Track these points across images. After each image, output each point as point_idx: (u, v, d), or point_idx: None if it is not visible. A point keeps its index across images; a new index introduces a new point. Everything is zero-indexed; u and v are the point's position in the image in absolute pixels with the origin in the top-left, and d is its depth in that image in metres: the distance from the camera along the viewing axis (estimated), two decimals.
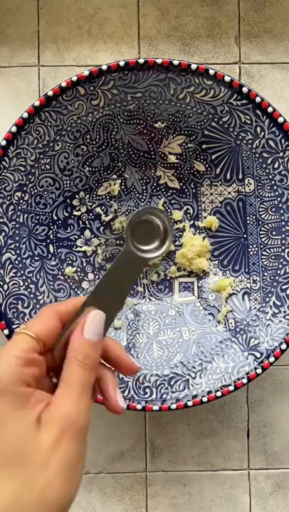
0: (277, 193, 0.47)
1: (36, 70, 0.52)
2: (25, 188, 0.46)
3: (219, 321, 0.48)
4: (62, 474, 0.28)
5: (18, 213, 0.46)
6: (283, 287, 0.47)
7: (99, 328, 0.32)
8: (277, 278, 0.47)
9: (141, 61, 0.44)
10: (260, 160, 0.47)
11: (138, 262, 0.36)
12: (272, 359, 0.45)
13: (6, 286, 0.46)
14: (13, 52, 0.52)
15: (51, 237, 0.48)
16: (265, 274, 0.47)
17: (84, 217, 0.49)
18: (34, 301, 0.47)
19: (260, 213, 0.48)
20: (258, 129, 0.46)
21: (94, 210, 0.49)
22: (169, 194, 0.50)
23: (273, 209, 0.47)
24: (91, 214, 0.49)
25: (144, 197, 0.50)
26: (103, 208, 0.50)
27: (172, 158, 0.49)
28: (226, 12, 0.52)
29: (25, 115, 0.44)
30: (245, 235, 0.49)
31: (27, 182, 0.46)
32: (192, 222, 0.50)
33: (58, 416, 0.29)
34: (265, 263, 0.48)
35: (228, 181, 0.49)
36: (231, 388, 0.45)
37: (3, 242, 0.46)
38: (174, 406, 0.45)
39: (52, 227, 0.48)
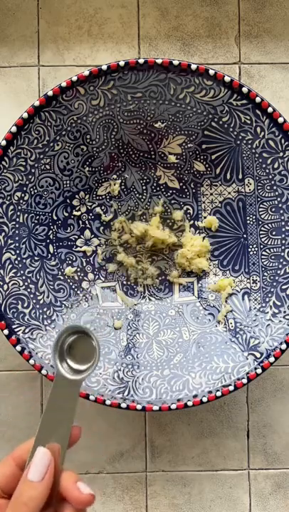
0: (277, 193, 0.47)
1: (36, 70, 0.52)
2: (25, 188, 0.46)
3: (219, 321, 0.48)
4: None
5: (18, 213, 0.46)
6: (283, 287, 0.47)
7: (43, 467, 0.32)
8: (277, 278, 0.47)
9: (141, 61, 0.44)
10: (260, 160, 0.47)
11: (72, 385, 0.35)
12: (272, 359, 0.45)
13: (5, 286, 0.46)
14: (13, 52, 0.52)
15: (51, 237, 0.48)
16: (265, 274, 0.47)
17: (84, 217, 0.49)
18: (34, 301, 0.47)
19: (260, 213, 0.48)
20: (258, 129, 0.46)
21: (94, 210, 0.50)
22: (169, 194, 0.50)
23: (273, 209, 0.47)
24: (91, 214, 0.50)
25: (144, 197, 0.50)
26: (103, 207, 0.50)
27: (172, 158, 0.49)
28: (226, 12, 0.52)
29: (25, 115, 0.44)
30: (245, 235, 0.49)
31: (27, 182, 0.46)
32: (192, 222, 0.50)
33: None
34: (265, 263, 0.48)
35: (228, 181, 0.49)
36: (231, 388, 0.45)
37: (3, 242, 0.46)
38: (174, 406, 0.45)
39: (52, 227, 0.48)
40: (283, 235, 0.47)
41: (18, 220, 0.46)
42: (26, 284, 0.47)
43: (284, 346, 0.45)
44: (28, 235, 0.47)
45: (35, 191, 0.47)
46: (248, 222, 0.48)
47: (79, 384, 0.35)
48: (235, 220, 0.49)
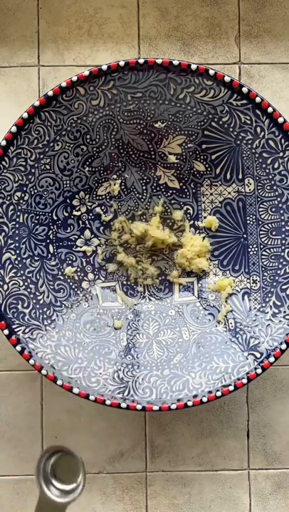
0: (277, 193, 0.47)
1: (36, 70, 0.52)
2: (25, 188, 0.46)
3: (219, 321, 0.48)
4: None
5: (18, 213, 0.46)
6: (283, 287, 0.47)
7: None
8: (277, 278, 0.47)
9: (141, 61, 0.44)
10: (260, 160, 0.47)
11: (58, 507, 0.33)
12: (272, 359, 0.45)
13: (6, 286, 0.46)
14: (13, 52, 0.52)
15: (51, 237, 0.48)
16: (265, 274, 0.48)
17: (84, 217, 0.49)
18: (34, 301, 0.47)
19: (260, 213, 0.48)
20: (258, 129, 0.46)
21: (94, 210, 0.50)
22: (169, 194, 0.50)
23: (273, 209, 0.47)
24: (91, 214, 0.50)
25: (144, 197, 0.50)
26: (103, 207, 0.50)
27: (172, 158, 0.49)
28: (226, 12, 0.52)
29: (25, 115, 0.44)
30: (245, 235, 0.49)
31: (27, 182, 0.46)
32: (192, 222, 0.50)
33: None
34: (265, 263, 0.48)
35: (228, 181, 0.49)
36: (231, 388, 0.45)
37: (3, 242, 0.46)
38: (174, 406, 0.45)
39: (52, 227, 0.48)
40: (283, 235, 0.47)
41: (18, 220, 0.46)
42: (26, 284, 0.47)
43: (284, 346, 0.45)
44: (28, 235, 0.47)
45: (35, 191, 0.47)
46: (248, 222, 0.48)
47: (66, 506, 0.33)
48: (235, 220, 0.49)
